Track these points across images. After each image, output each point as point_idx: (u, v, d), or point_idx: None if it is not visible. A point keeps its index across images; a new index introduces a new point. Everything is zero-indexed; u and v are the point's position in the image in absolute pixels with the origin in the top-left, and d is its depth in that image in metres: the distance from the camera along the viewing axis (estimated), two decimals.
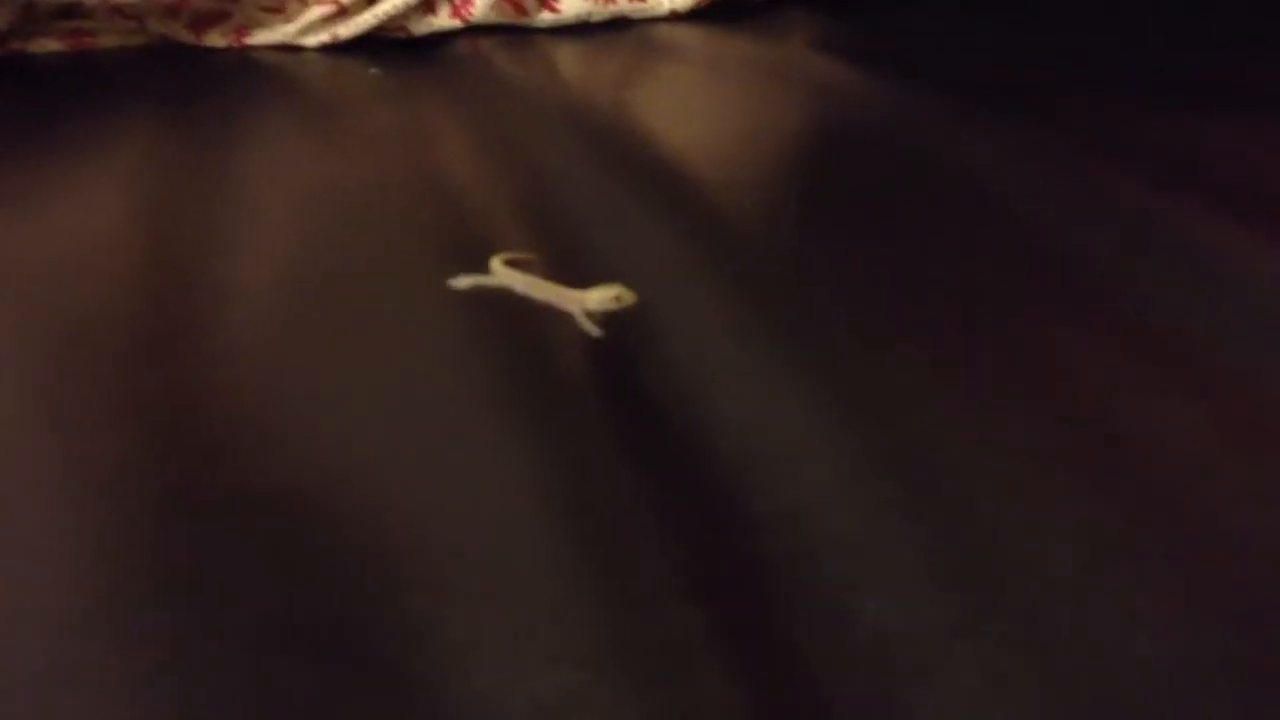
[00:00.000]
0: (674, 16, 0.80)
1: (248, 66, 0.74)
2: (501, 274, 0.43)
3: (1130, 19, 0.78)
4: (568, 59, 0.75)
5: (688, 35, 0.78)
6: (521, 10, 0.77)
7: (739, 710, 0.26)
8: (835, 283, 0.43)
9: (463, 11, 0.76)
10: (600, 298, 0.40)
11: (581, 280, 0.41)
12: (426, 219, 0.49)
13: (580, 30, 0.79)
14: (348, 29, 0.75)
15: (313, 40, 0.75)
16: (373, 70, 0.72)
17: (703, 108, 0.64)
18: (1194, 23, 0.76)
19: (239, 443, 0.35)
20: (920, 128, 0.57)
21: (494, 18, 0.76)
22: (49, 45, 0.76)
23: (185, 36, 0.76)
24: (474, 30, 0.77)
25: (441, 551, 0.31)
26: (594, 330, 0.40)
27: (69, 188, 0.55)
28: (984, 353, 0.38)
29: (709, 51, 0.76)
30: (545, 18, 0.78)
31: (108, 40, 0.77)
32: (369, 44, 0.76)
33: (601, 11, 0.78)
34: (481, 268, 0.43)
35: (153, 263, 0.47)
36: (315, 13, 0.74)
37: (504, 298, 0.42)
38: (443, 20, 0.76)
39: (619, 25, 0.79)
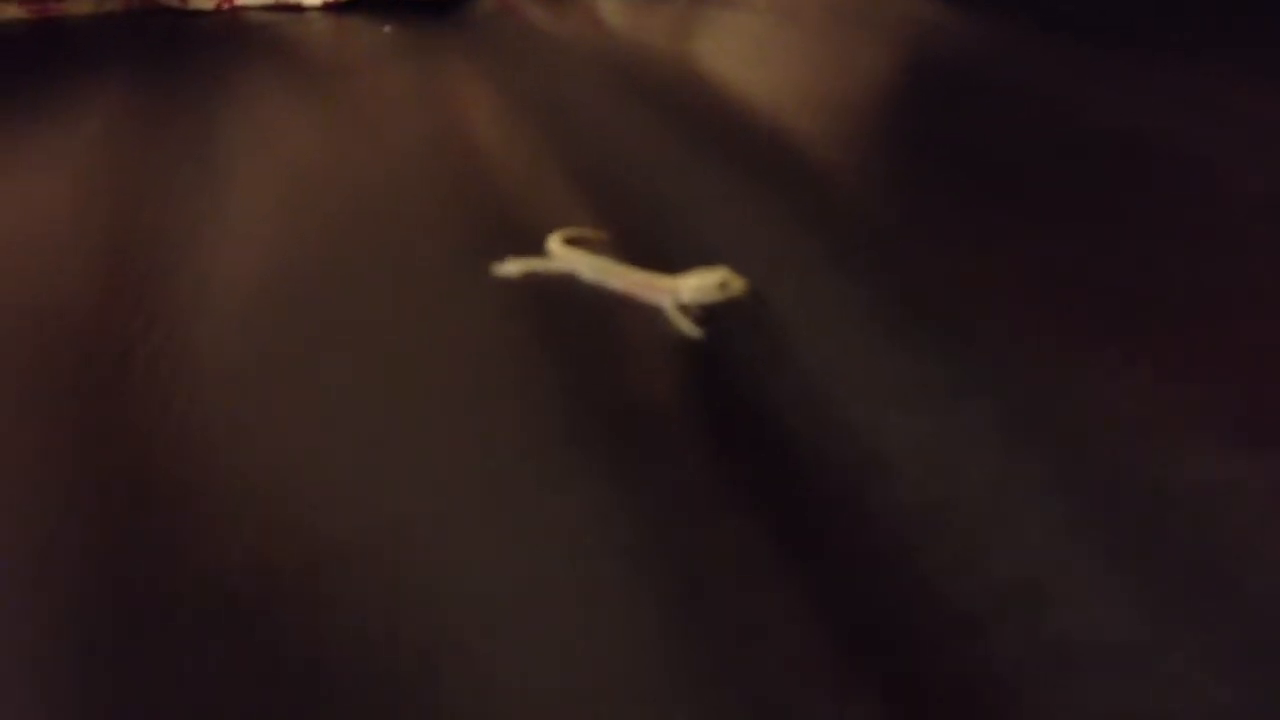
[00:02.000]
0: None
1: (239, 28, 0.64)
2: (563, 256, 0.32)
3: None
4: (614, 11, 0.64)
5: None
6: None
7: None
8: (955, 256, 0.32)
9: None
10: (699, 286, 0.29)
11: (663, 263, 0.31)
12: (454, 195, 0.39)
13: None
14: None
15: None
16: (386, 29, 0.61)
17: (778, 58, 0.54)
18: None
19: (211, 500, 0.24)
20: (1026, 68, 0.46)
21: None
22: (10, 12, 0.66)
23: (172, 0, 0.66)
24: None
25: (507, 625, 0.20)
26: (692, 330, 0.29)
27: (17, 164, 0.45)
28: (1132, 335, 0.27)
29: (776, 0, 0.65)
30: None
31: (78, 7, 0.67)
32: (380, 2, 0.66)
33: None
34: (533, 250, 0.33)
35: (117, 251, 0.36)
36: None
37: (568, 288, 0.31)
38: None
39: None
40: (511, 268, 0.32)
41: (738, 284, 0.29)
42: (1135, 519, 0.22)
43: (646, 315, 0.30)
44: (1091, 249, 0.32)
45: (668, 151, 0.41)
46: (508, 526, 0.23)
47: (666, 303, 0.30)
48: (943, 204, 0.36)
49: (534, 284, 0.32)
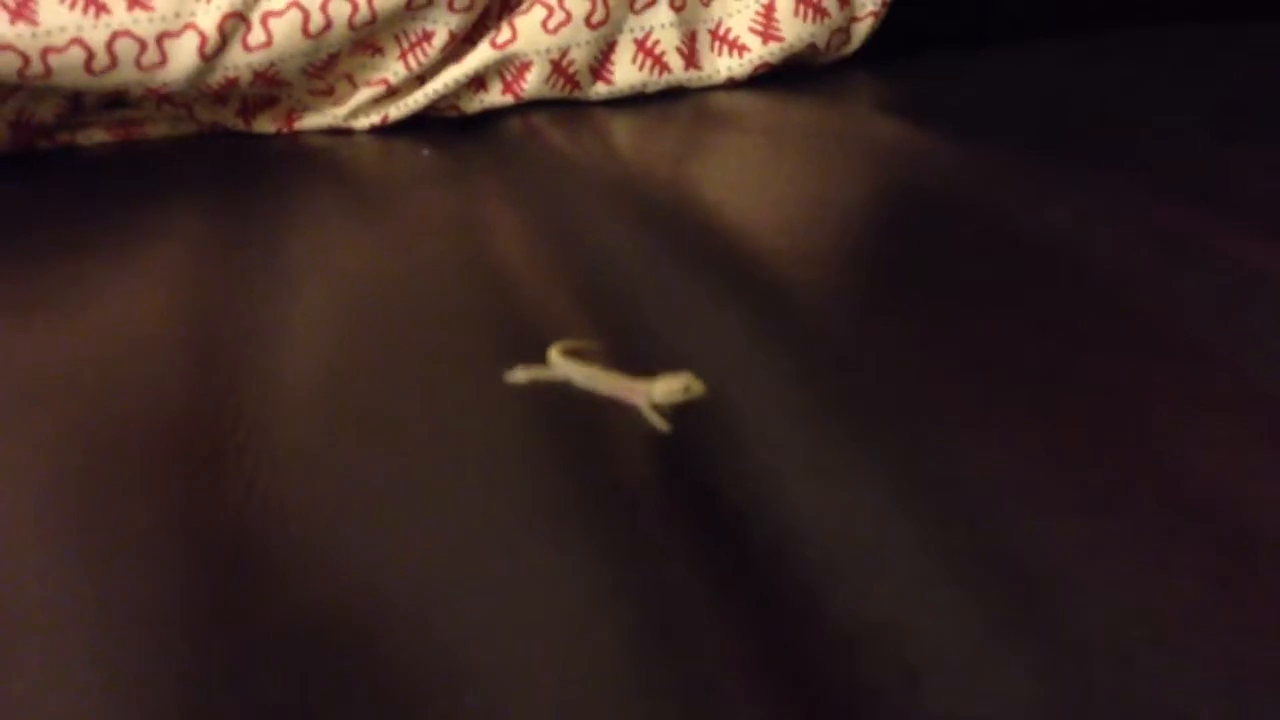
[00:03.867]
0: (731, 84, 0.77)
1: (298, 151, 0.73)
2: (560, 365, 0.40)
3: (1192, 50, 0.75)
4: (623, 131, 0.73)
5: (745, 102, 0.76)
6: (574, 84, 0.75)
7: None
8: (916, 364, 0.40)
9: (514, 87, 0.74)
10: (667, 389, 0.37)
11: (647, 369, 0.39)
12: (481, 308, 0.47)
13: (635, 101, 0.77)
14: (398, 109, 0.73)
15: (363, 122, 0.74)
16: (425, 152, 0.70)
17: (763, 179, 0.62)
18: (1259, 48, 0.73)
19: (285, 565, 0.32)
20: (991, 188, 0.54)
21: (547, 92, 0.74)
22: (96, 136, 0.75)
23: (234, 123, 0.75)
24: (527, 106, 0.75)
25: (501, 681, 0.28)
26: (661, 424, 0.37)
27: (114, 282, 0.54)
28: (1080, 441, 0.35)
29: (768, 119, 0.73)
30: (599, 89, 0.76)
31: (156, 130, 0.76)
32: (420, 123, 0.75)
33: (656, 81, 0.76)
34: (539, 358, 0.41)
35: (197, 361, 0.45)
36: (365, 94, 0.73)
37: (564, 392, 0.39)
38: (494, 97, 0.74)
39: (675, 95, 0.77)
40: (520, 375, 0.40)
41: (697, 387, 0.37)
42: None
43: (627, 413, 0.38)
44: (1023, 351, 0.40)
45: (659, 269, 0.49)
46: (507, 581, 0.31)
47: (641, 402, 0.38)
48: (906, 314, 0.44)
49: (538, 389, 0.40)
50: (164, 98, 0.73)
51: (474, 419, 0.39)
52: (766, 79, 0.79)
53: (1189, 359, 0.38)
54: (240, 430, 0.39)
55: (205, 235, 0.58)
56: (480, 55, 0.73)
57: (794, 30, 0.77)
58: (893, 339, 0.42)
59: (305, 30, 0.69)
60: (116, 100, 0.74)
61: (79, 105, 0.73)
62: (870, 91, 0.77)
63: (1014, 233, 0.49)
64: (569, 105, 0.76)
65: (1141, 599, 0.29)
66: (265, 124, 0.75)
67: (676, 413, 0.37)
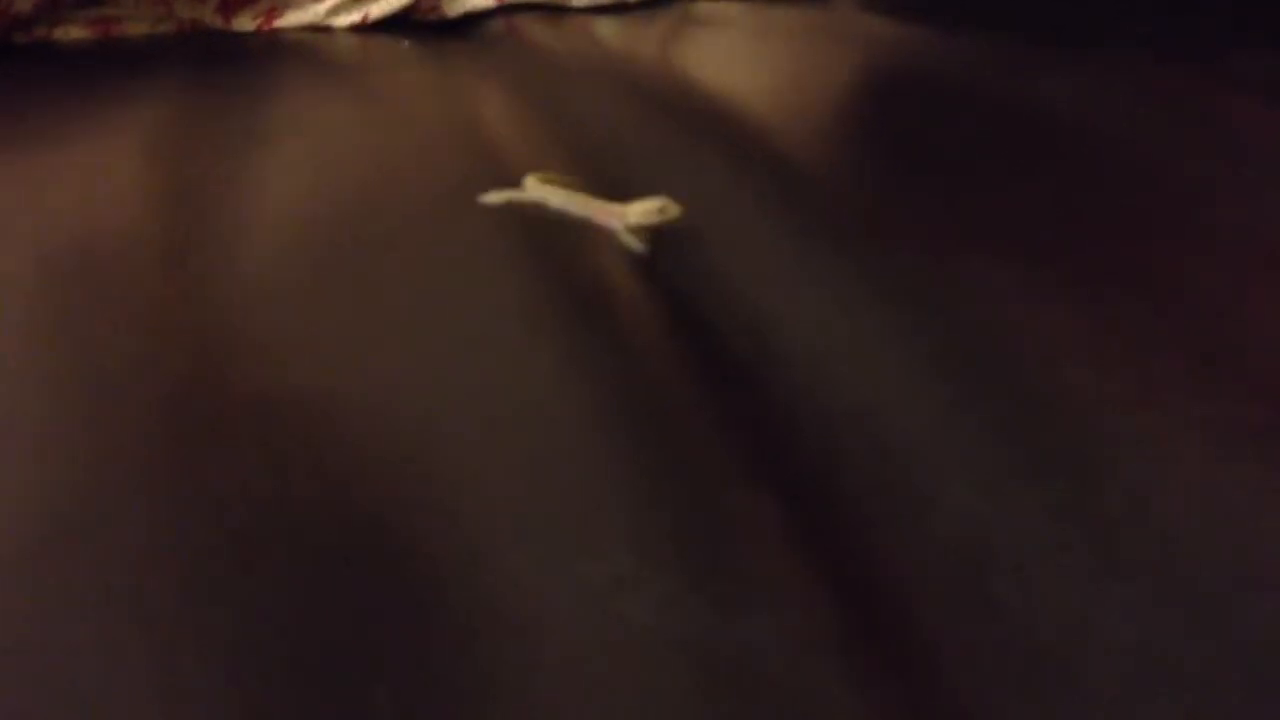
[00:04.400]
0: None
1: (277, 46, 0.72)
2: (535, 189, 0.40)
3: None
4: (607, 30, 0.72)
5: (729, 9, 0.76)
6: None
7: (809, 593, 0.23)
8: (900, 203, 0.40)
9: None
10: (643, 210, 0.37)
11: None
12: (460, 157, 0.47)
13: (617, 8, 0.76)
14: (379, 8, 0.73)
15: (344, 20, 0.73)
16: (405, 43, 0.69)
17: (751, 63, 0.62)
18: None
19: (256, 349, 0.32)
20: (982, 70, 0.54)
21: None
22: (75, 32, 0.74)
23: (214, 21, 0.74)
24: (509, 9, 0.75)
25: (481, 450, 0.28)
26: (637, 245, 0.37)
27: (95, 140, 0.53)
28: (1062, 253, 0.35)
29: (752, 20, 0.73)
30: None
31: (135, 28, 0.75)
32: (401, 24, 0.74)
33: None
34: (523, 221, 0.40)
35: (174, 198, 0.44)
36: None
37: (543, 221, 0.39)
38: (476, 0, 0.74)
39: (658, 2, 0.77)
40: (494, 197, 0.40)
41: (674, 210, 0.37)
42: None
43: (603, 238, 0.38)
44: (1018, 204, 0.40)
45: (645, 132, 0.49)
46: (488, 373, 0.31)
47: (617, 224, 0.37)
48: (893, 170, 0.44)
49: (513, 213, 0.39)
50: None
51: (450, 247, 0.38)
52: None
53: (1189, 200, 0.38)
54: (207, 253, 0.39)
55: (185, 105, 0.58)
56: None
57: None
58: (879, 180, 0.42)
59: None
60: None
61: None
62: (844, 4, 0.77)
63: (1007, 101, 0.49)
64: (551, 9, 0.76)
65: (1110, 369, 0.29)
66: (245, 22, 0.74)
67: (654, 238, 0.37)
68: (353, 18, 0.73)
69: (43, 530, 0.25)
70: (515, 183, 0.41)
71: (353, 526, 0.25)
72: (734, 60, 0.62)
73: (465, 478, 0.27)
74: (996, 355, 0.29)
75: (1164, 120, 0.44)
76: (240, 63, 0.69)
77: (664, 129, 0.49)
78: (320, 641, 0.22)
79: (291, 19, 0.74)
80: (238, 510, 0.25)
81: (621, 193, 0.42)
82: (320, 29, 0.74)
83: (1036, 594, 0.22)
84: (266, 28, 0.74)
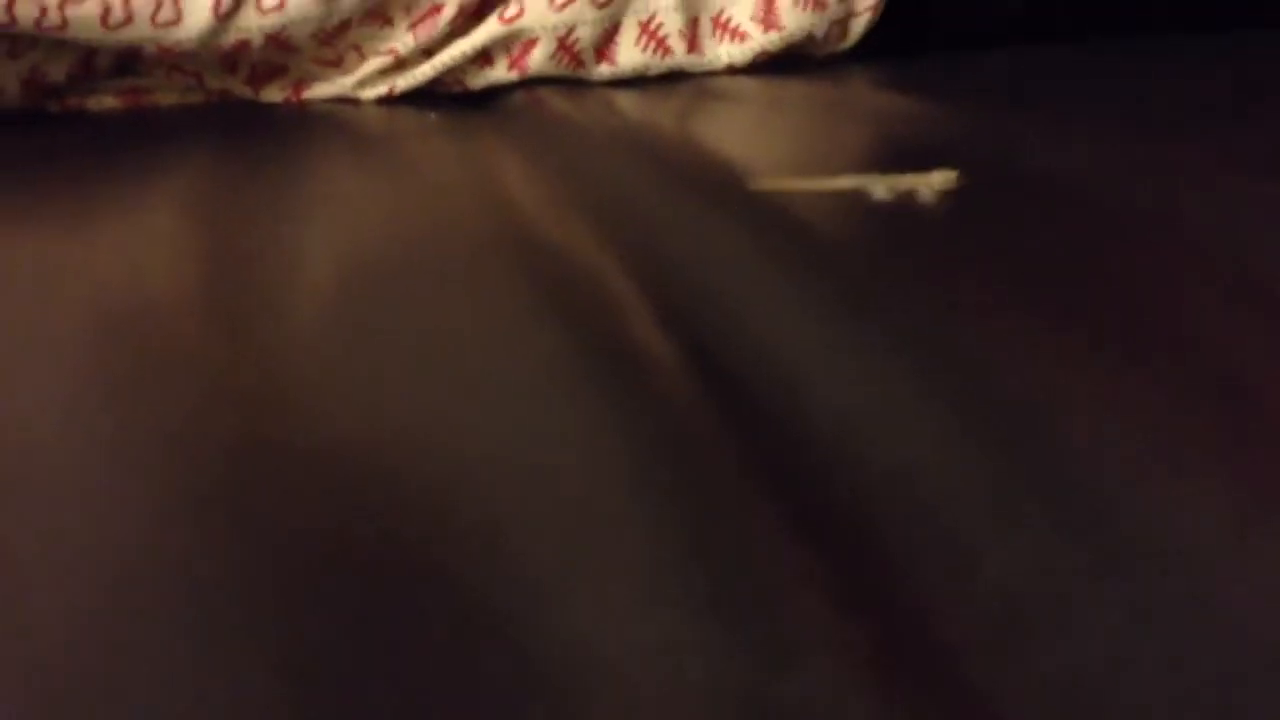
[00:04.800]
0: (730, 70, 0.79)
1: (306, 118, 0.74)
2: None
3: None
4: (626, 103, 0.74)
5: (745, 83, 0.77)
6: (579, 62, 0.76)
7: (856, 645, 0.24)
8: (927, 264, 0.41)
9: (520, 63, 0.76)
10: (944, 177, 0.45)
11: (661, 285, 0.40)
12: (488, 228, 0.48)
13: (637, 81, 0.78)
14: (405, 81, 0.75)
15: (370, 93, 0.75)
16: (431, 116, 0.71)
17: (767, 134, 0.63)
18: None
19: (305, 405, 0.33)
20: (996, 140, 0.55)
21: (551, 69, 0.76)
22: (106, 102, 0.76)
23: (243, 91, 0.76)
24: (531, 82, 0.77)
25: (521, 505, 0.29)
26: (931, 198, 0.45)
27: (127, 214, 0.55)
28: (1091, 314, 0.36)
29: (767, 94, 0.75)
30: (603, 70, 0.77)
31: (165, 98, 0.77)
32: (426, 96, 0.76)
33: (659, 64, 0.78)
34: (550, 272, 0.42)
35: (215, 264, 0.46)
36: (373, 64, 0.74)
37: (567, 281, 0.40)
38: (500, 72, 0.76)
39: (676, 77, 0.79)
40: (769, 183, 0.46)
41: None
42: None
43: (637, 288, 0.39)
44: (1041, 268, 0.41)
45: (664, 198, 0.50)
46: (529, 421, 0.32)
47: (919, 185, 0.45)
48: (922, 241, 0.45)
49: (541, 272, 0.41)
50: (175, 62, 0.74)
51: (480, 305, 0.39)
52: (765, 67, 0.80)
53: (1192, 256, 0.39)
54: (252, 316, 0.40)
55: (218, 176, 0.60)
56: (488, 29, 0.74)
57: (794, 19, 0.78)
58: (902, 244, 0.43)
59: None
60: (127, 65, 0.75)
61: (91, 68, 0.75)
62: (867, 76, 0.79)
63: (1020, 172, 0.50)
64: (572, 83, 0.77)
65: (1144, 439, 0.30)
66: (273, 93, 0.76)
67: (689, 299, 0.38)
68: (379, 90, 0.75)
69: (113, 578, 0.26)
70: (545, 255, 0.43)
71: (405, 574, 0.26)
72: (751, 132, 0.64)
73: (507, 532, 0.28)
74: (1030, 415, 0.30)
75: (1181, 192, 0.46)
76: (269, 134, 0.71)
77: (683, 195, 0.50)
78: (372, 692, 0.23)
79: (319, 91, 0.76)
80: (296, 556, 0.26)
81: (646, 259, 0.43)
82: (348, 100, 0.76)
83: (1078, 649, 0.23)
84: (295, 99, 0.76)
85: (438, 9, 0.73)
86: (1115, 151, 0.51)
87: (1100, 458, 0.29)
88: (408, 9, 0.73)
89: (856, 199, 0.46)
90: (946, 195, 0.46)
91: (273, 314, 0.40)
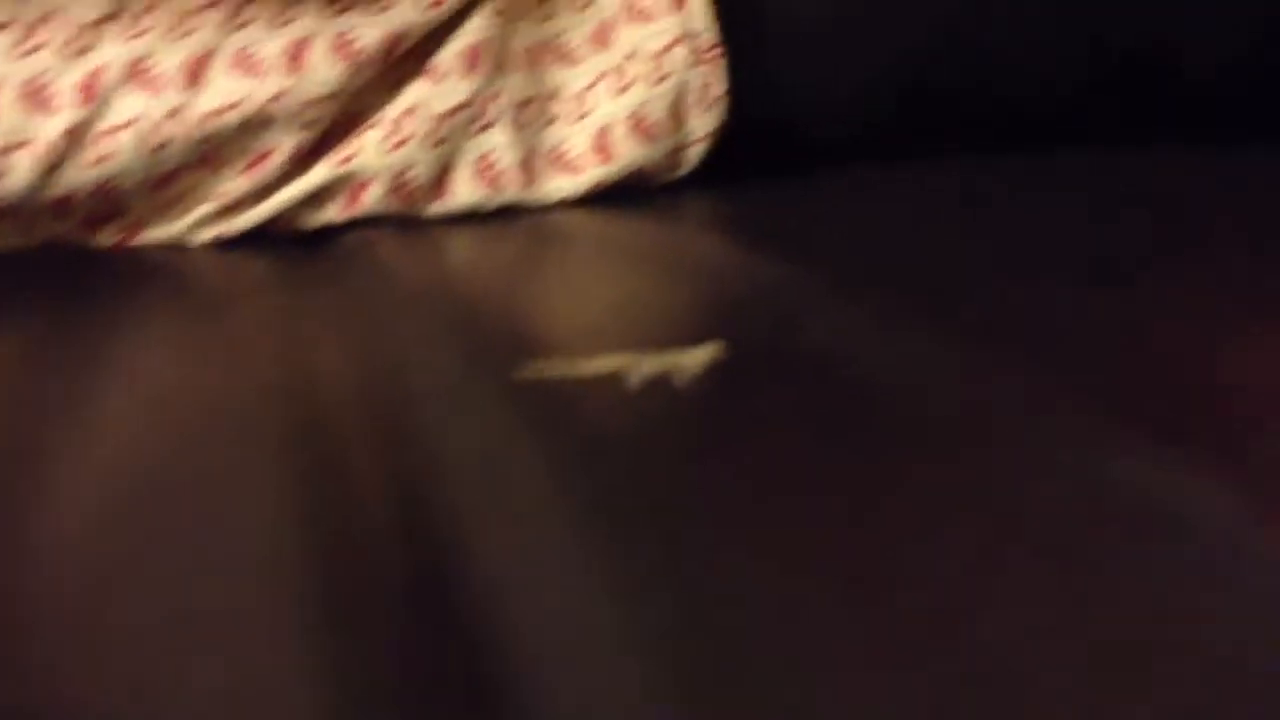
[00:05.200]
0: (566, 203, 0.80)
1: (136, 264, 0.74)
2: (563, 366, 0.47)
3: (1035, 196, 0.79)
4: (458, 248, 0.75)
5: (578, 220, 0.78)
6: (413, 200, 0.77)
7: None
8: (686, 475, 0.42)
9: (354, 204, 0.76)
10: (699, 356, 0.46)
11: (417, 484, 0.40)
12: (275, 427, 0.48)
13: (473, 219, 0.79)
14: (238, 224, 0.75)
15: (202, 236, 0.75)
16: (258, 265, 0.72)
17: (574, 294, 0.64)
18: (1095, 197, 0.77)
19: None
20: (790, 305, 0.57)
21: (384, 209, 0.77)
22: None
23: (74, 236, 0.76)
24: (364, 223, 0.77)
25: None
26: (687, 379, 0.46)
27: None
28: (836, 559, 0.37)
29: (599, 235, 0.76)
30: (437, 207, 0.78)
31: None
32: (259, 238, 0.76)
33: (493, 200, 0.79)
34: (324, 477, 0.43)
35: None
36: (205, 209, 0.74)
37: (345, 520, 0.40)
38: (334, 213, 0.76)
39: (512, 213, 0.80)
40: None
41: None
42: None
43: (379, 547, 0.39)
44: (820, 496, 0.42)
45: (445, 371, 0.51)
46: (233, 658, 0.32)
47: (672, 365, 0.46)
48: (674, 429, 0.46)
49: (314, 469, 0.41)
50: (3, 211, 0.74)
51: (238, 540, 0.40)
52: (603, 197, 0.82)
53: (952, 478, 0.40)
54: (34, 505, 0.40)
55: (30, 330, 0.60)
56: (321, 172, 0.75)
57: (627, 152, 0.80)
58: (669, 456, 0.44)
59: (145, 145, 0.71)
60: None
61: None
62: (699, 211, 0.80)
63: (794, 343, 0.51)
64: (406, 221, 0.78)
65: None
66: (105, 237, 0.76)
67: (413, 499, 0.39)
68: (211, 234, 0.75)
69: None
70: (302, 423, 0.44)
71: None
72: (559, 289, 0.65)
73: None
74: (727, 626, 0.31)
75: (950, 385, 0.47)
76: (97, 281, 0.71)
77: (465, 370, 0.51)
78: None
79: (152, 235, 0.76)
80: None
81: (396, 439, 0.44)
82: (180, 245, 0.76)
83: None
84: (127, 244, 0.76)
85: (269, 153, 0.74)
86: (892, 317, 0.53)
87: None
88: (239, 154, 0.74)
89: (616, 381, 0.47)
90: (709, 373, 0.47)
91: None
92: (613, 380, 0.48)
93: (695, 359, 0.48)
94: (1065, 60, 0.84)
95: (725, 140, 0.84)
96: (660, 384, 0.48)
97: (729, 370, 0.49)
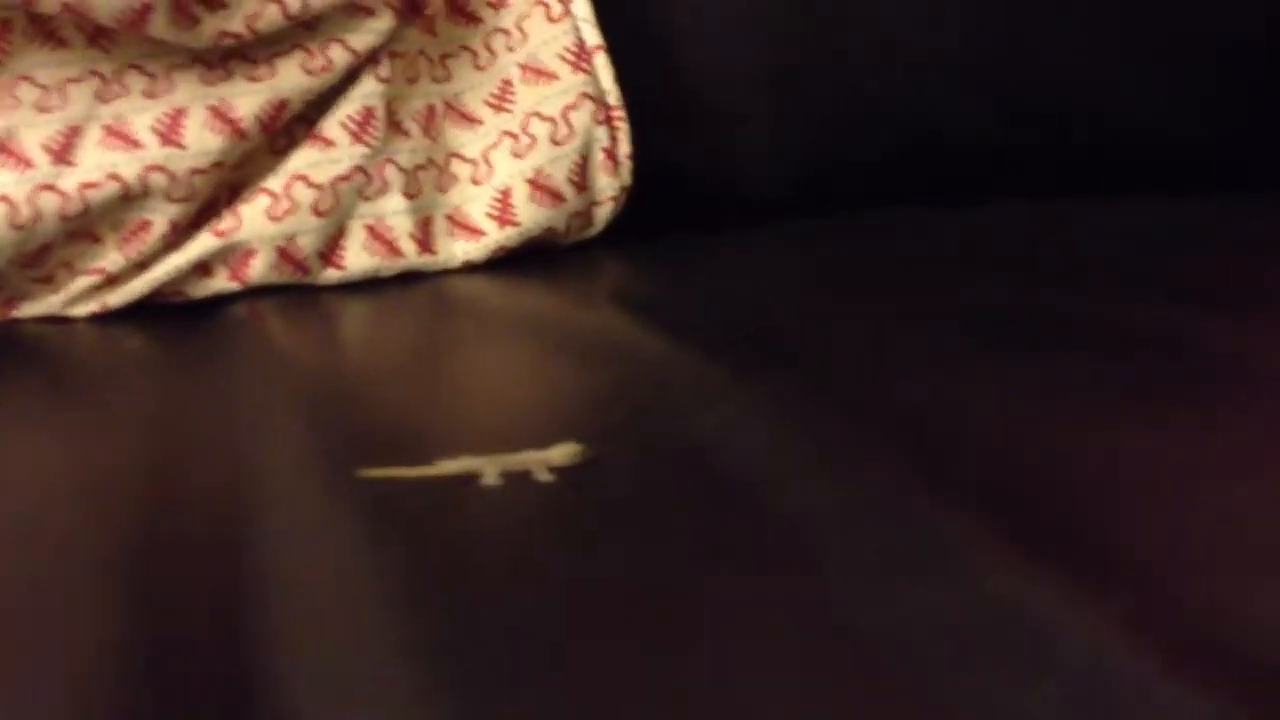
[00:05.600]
0: (468, 268, 0.77)
1: (11, 339, 0.71)
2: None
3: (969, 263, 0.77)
4: (349, 319, 0.72)
5: (480, 288, 0.76)
6: (303, 269, 0.74)
7: None
8: (533, 582, 0.39)
9: (240, 274, 0.73)
10: (565, 452, 0.45)
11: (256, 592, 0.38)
12: (112, 525, 0.46)
13: (370, 287, 0.76)
14: (118, 297, 0.72)
15: (81, 310, 0.72)
16: (133, 343, 0.69)
17: (467, 382, 0.61)
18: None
19: None
20: (679, 391, 0.54)
21: (274, 278, 0.74)
22: None
23: None
24: (257, 291, 0.74)
25: None
26: (549, 478, 0.44)
27: None
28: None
29: (498, 307, 0.74)
30: (330, 275, 0.75)
31: None
32: (145, 310, 0.73)
33: (390, 266, 0.76)
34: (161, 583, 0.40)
35: None
36: (83, 283, 0.71)
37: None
38: (220, 283, 0.73)
39: (412, 278, 0.77)
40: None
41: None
42: None
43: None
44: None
45: (296, 482, 0.48)
46: None
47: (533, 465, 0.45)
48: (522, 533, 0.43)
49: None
50: None
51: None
52: (508, 260, 0.79)
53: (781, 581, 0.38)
54: None
55: None
56: (202, 243, 0.72)
57: (530, 215, 0.77)
58: (505, 569, 0.41)
59: (13, 222, 0.68)
60: None
61: None
62: (607, 274, 0.78)
63: (657, 439, 0.48)
64: (300, 290, 0.75)
65: None
66: None
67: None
68: (90, 308, 0.72)
69: None
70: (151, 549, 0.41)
71: None
72: (455, 371, 0.62)
73: None
74: None
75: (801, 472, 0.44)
76: None
77: (335, 472, 0.48)
78: None
79: (29, 309, 0.72)
80: None
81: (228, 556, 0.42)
82: (58, 319, 0.73)
83: None
84: (5, 317, 0.73)
85: (147, 225, 0.71)
86: (778, 403, 0.50)
87: None
88: (114, 227, 0.71)
89: (470, 481, 0.45)
90: (567, 471, 0.45)
91: None
92: (465, 481, 0.45)
93: (553, 458, 0.46)
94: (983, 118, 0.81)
95: (636, 199, 0.81)
96: (520, 482, 0.45)
97: (593, 468, 0.46)
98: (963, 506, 0.39)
